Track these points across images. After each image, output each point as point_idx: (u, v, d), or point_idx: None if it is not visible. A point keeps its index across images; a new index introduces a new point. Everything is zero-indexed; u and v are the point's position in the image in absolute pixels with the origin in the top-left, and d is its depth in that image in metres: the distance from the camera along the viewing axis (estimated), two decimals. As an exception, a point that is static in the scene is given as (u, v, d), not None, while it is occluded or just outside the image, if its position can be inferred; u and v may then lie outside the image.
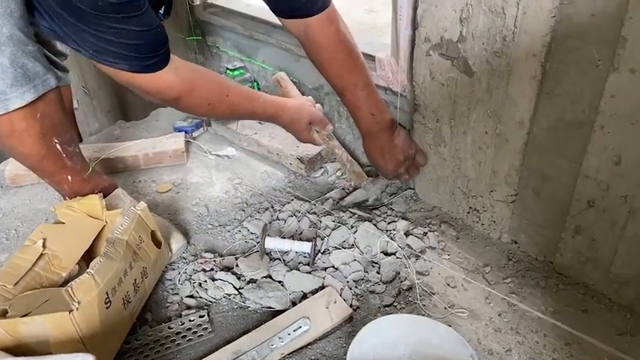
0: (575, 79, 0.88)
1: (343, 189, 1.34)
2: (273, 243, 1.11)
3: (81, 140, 1.74)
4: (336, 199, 1.29)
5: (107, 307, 0.86)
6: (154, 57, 0.97)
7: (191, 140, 1.59)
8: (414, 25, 1.09)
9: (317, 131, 1.26)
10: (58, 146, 1.08)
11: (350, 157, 1.33)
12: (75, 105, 3.12)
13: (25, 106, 0.97)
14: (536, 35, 0.89)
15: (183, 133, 1.59)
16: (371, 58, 1.25)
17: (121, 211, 1.01)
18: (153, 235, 1.06)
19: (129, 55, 0.93)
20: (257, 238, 1.18)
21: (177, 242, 1.15)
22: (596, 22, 0.82)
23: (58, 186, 1.17)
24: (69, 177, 1.13)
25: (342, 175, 1.37)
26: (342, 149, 1.33)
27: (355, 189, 1.27)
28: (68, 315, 0.80)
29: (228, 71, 1.62)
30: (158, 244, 1.06)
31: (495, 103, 1.01)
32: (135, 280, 0.95)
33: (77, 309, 0.80)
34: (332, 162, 1.45)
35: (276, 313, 1.01)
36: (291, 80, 1.52)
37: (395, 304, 1.03)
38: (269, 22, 1.54)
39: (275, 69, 1.56)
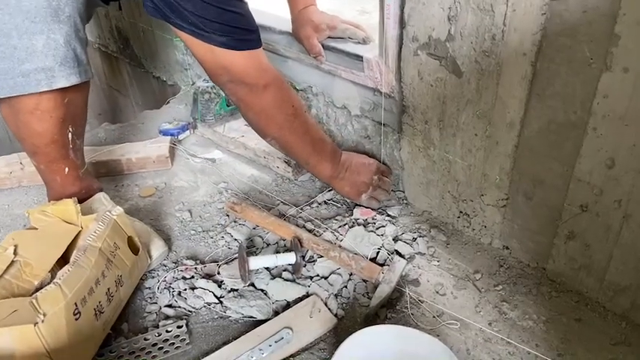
0: (567, 79, 0.85)
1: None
2: (255, 263, 1.05)
3: None
4: (368, 311, 0.98)
5: (76, 319, 0.82)
6: (250, 33, 0.99)
7: (176, 144, 1.55)
8: (402, 23, 1.05)
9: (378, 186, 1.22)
10: (70, 135, 1.08)
11: (351, 254, 1.07)
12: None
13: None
14: (526, 33, 0.86)
15: (169, 137, 1.55)
16: (359, 58, 1.21)
17: (95, 216, 0.96)
18: (130, 241, 1.02)
19: (226, 27, 0.94)
20: (237, 250, 1.12)
21: (157, 249, 1.10)
22: (588, 19, 0.78)
23: (50, 175, 1.14)
24: (66, 169, 1.12)
25: (350, 274, 1.06)
26: (337, 248, 1.09)
27: (375, 287, 1.01)
28: (33, 328, 0.76)
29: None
30: (136, 251, 1.02)
31: (485, 104, 0.98)
32: (108, 289, 0.91)
33: (43, 321, 0.76)
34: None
35: (258, 323, 0.96)
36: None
37: (382, 313, 0.99)
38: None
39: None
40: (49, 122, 1.02)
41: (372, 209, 1.22)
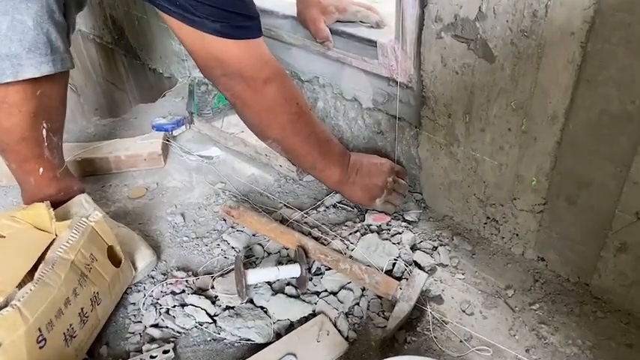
0: (624, 62, 0.71)
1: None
2: (254, 277, 0.91)
3: None
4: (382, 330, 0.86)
5: (41, 347, 0.69)
6: (249, 20, 0.86)
7: (171, 140, 1.42)
8: (423, 1, 0.91)
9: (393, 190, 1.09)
10: (44, 132, 0.96)
11: (363, 266, 0.93)
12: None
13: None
14: (575, 8, 0.72)
15: (162, 132, 1.42)
16: (372, 43, 1.08)
17: (69, 223, 0.83)
18: (111, 251, 0.89)
19: (220, 11, 0.81)
20: (234, 260, 0.99)
21: (143, 259, 0.97)
22: (654, -12, 0.64)
23: (23, 176, 1.02)
24: (40, 169, 1.00)
25: (363, 289, 0.93)
26: (347, 259, 0.95)
27: (392, 305, 0.88)
28: (-16, 360, 0.63)
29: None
30: (117, 262, 0.89)
31: (522, 93, 0.84)
32: (82, 308, 0.78)
33: (-3, 352, 0.63)
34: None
35: (258, 347, 0.83)
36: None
37: (400, 336, 0.85)
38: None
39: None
40: (18, 117, 0.90)
41: (387, 214, 1.09)
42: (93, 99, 2.86)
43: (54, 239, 0.89)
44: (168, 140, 1.41)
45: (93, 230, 0.84)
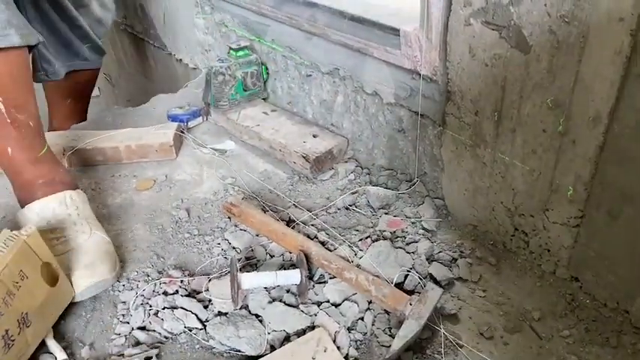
0: (685, 53, 0.60)
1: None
2: (250, 282, 0.83)
3: (85, 119, 1.60)
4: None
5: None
6: None
7: (185, 131, 1.37)
8: (451, -16, 0.82)
9: None
10: (1, 105, 0.90)
11: (371, 277, 0.83)
12: (97, 93, 3.01)
13: None
14: (627, -11, 0.61)
15: (177, 123, 1.37)
16: (395, 32, 0.98)
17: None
18: (48, 267, 0.80)
19: None
20: (229, 263, 0.91)
21: (92, 276, 0.86)
22: None
23: None
24: (9, 149, 0.94)
25: (370, 302, 0.84)
26: (354, 268, 0.86)
27: (400, 322, 0.78)
28: None
29: (231, 51, 1.39)
30: (53, 281, 0.80)
31: (560, 89, 0.73)
32: (7, 330, 0.70)
33: None
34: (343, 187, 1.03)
35: (248, 359, 0.76)
36: (302, 63, 1.27)
37: (407, 358, 0.76)
38: (279, -6, 1.29)
39: (285, 49, 1.32)
40: None
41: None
42: (125, 90, 2.87)
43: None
44: (182, 131, 1.36)
45: (24, 245, 0.75)
